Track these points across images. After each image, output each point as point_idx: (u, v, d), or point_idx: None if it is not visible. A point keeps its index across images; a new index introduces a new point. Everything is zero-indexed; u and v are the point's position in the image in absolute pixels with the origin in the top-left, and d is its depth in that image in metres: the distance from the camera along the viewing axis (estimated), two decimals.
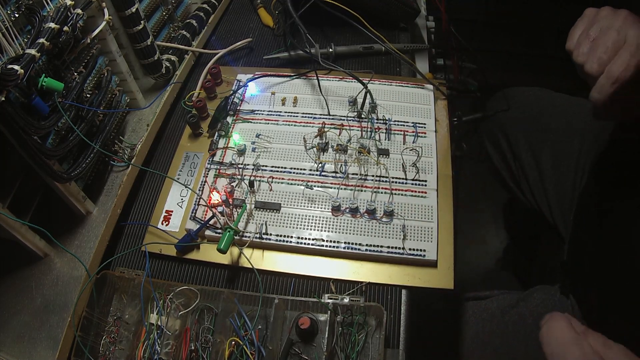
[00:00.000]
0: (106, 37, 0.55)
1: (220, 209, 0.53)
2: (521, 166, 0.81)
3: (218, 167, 0.58)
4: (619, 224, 0.59)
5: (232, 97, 0.65)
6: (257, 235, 0.52)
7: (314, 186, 0.55)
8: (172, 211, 0.55)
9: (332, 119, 0.62)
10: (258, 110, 0.64)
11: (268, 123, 0.62)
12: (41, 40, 0.41)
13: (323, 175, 0.57)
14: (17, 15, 0.42)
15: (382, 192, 0.55)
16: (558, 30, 1.38)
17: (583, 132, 0.74)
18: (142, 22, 0.60)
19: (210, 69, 0.69)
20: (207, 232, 0.53)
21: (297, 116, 0.63)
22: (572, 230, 0.70)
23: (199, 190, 0.56)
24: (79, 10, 0.47)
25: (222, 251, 0.49)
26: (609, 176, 0.64)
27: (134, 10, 0.57)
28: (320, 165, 0.57)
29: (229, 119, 0.63)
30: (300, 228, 0.52)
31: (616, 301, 0.56)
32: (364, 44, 0.73)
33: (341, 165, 0.57)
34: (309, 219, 0.53)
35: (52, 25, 0.42)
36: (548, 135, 0.78)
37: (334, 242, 0.51)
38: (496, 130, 0.88)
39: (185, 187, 0.57)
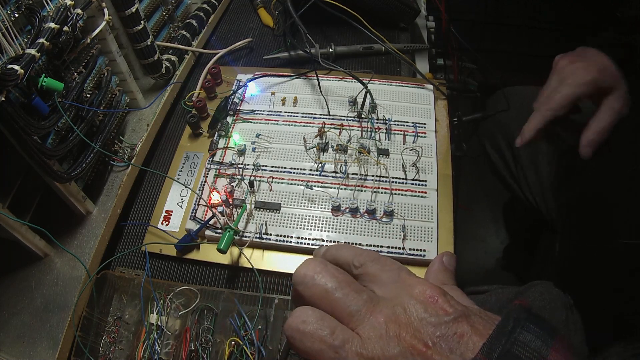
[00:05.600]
0: (106, 37, 0.55)
1: (220, 209, 0.53)
2: (520, 165, 0.82)
3: (218, 167, 0.58)
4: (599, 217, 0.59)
5: (232, 97, 0.65)
6: (257, 235, 0.52)
7: (314, 186, 0.55)
8: (172, 211, 0.55)
9: (332, 119, 0.62)
10: (258, 110, 0.64)
11: (268, 123, 0.62)
12: (41, 40, 0.41)
13: (323, 175, 0.57)
14: (17, 15, 0.42)
15: (382, 192, 0.55)
16: (558, 30, 1.38)
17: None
18: (142, 22, 0.59)
19: (210, 69, 0.69)
20: (207, 232, 0.53)
21: (297, 116, 0.63)
22: (560, 225, 0.70)
23: (199, 190, 0.56)
24: (79, 10, 0.47)
25: (222, 251, 0.49)
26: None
27: (134, 10, 0.57)
28: (320, 165, 0.57)
29: (229, 119, 0.63)
30: (300, 228, 0.52)
31: (604, 296, 0.56)
32: (364, 44, 0.73)
33: (341, 165, 0.57)
34: (309, 219, 0.53)
35: (52, 25, 0.42)
36: None
37: (334, 242, 0.51)
38: (495, 130, 0.88)
39: (185, 187, 0.57)
